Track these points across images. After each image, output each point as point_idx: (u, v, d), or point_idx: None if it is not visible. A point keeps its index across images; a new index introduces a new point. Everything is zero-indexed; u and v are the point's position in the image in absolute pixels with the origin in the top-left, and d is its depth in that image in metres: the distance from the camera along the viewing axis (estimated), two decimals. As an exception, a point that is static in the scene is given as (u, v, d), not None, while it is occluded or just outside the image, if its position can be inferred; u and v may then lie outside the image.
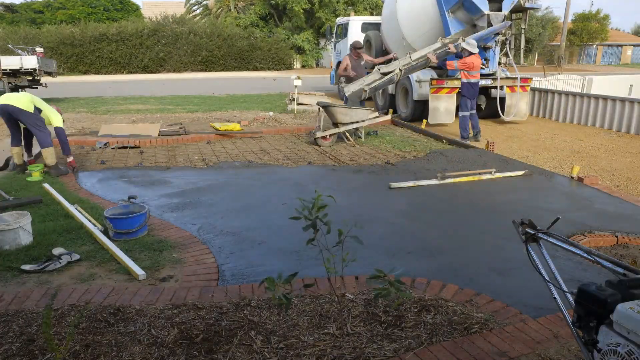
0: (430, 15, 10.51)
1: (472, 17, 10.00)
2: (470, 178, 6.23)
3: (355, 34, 14.81)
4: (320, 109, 8.62)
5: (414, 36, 11.11)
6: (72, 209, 4.71)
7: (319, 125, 8.60)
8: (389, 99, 12.07)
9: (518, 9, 10.58)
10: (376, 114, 9.12)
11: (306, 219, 2.56)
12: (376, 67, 9.28)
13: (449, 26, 10.05)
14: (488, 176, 6.31)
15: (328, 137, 8.43)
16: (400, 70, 9.13)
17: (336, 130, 8.44)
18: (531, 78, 11.07)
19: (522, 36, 11.00)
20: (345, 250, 2.59)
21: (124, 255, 3.70)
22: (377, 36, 13.24)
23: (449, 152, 7.74)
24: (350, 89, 8.83)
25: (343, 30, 15.68)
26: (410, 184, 5.97)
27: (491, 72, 10.31)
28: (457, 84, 10.01)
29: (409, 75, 10.32)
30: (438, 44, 9.65)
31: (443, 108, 9.98)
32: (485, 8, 9.74)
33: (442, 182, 6.05)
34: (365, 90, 8.73)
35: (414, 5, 10.86)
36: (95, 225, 4.33)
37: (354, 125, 8.52)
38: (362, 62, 9.64)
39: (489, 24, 9.75)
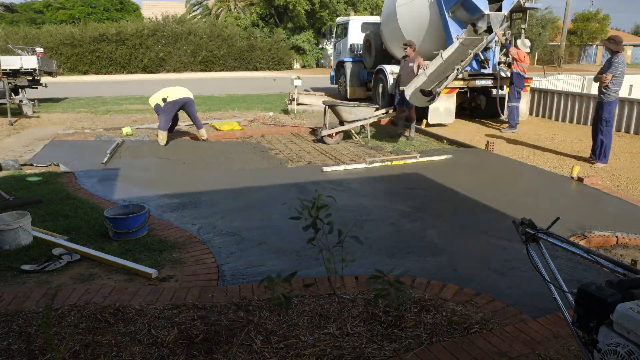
0: (430, 15, 10.51)
1: (471, 17, 9.98)
2: (397, 162, 6.98)
3: (355, 34, 14.80)
4: (326, 107, 8.73)
5: (413, 36, 11.10)
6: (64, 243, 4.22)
7: (325, 123, 8.68)
8: (389, 99, 12.07)
9: (518, 9, 10.57)
10: (383, 110, 9.10)
11: (311, 216, 2.55)
12: (421, 69, 8.91)
13: (448, 26, 10.04)
14: (413, 160, 7.11)
15: (334, 135, 8.56)
16: (457, 69, 8.55)
17: (342, 128, 8.56)
18: (531, 78, 11.06)
19: (522, 36, 10.98)
20: (345, 250, 2.59)
21: (130, 263, 3.66)
22: (377, 36, 13.23)
23: (447, 152, 7.74)
24: (409, 91, 8.24)
25: (343, 30, 15.66)
26: (341, 168, 6.75)
27: (491, 72, 10.30)
28: (456, 84, 10.00)
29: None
30: (457, 43, 9.56)
31: (443, 108, 9.98)
32: (485, 8, 9.72)
33: (370, 166, 6.85)
34: (437, 93, 8.12)
35: (413, 5, 10.85)
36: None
37: (359, 123, 8.62)
38: (411, 64, 9.02)
39: (489, 24, 9.74)
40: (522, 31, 10.89)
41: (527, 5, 10.47)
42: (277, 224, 4.62)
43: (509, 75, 10.53)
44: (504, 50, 10.67)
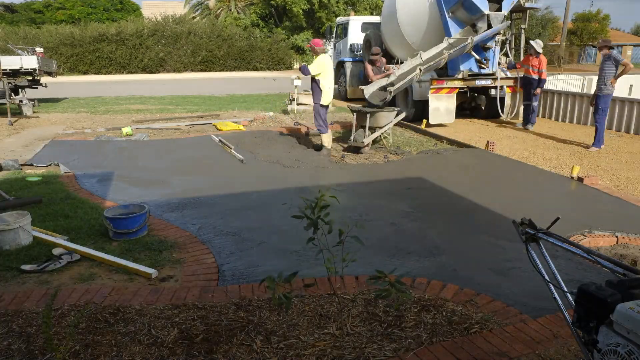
0: (430, 15, 10.51)
1: (471, 17, 9.99)
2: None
3: (355, 34, 14.80)
4: (366, 114, 7.86)
5: (413, 36, 11.12)
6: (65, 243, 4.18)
7: (357, 131, 8.00)
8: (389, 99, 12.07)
9: (518, 9, 10.58)
10: (403, 114, 9.01)
11: (308, 218, 2.56)
12: (393, 67, 9.08)
13: (448, 26, 10.05)
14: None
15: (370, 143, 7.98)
16: (420, 69, 8.86)
17: (376, 134, 7.99)
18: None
19: (522, 36, 10.99)
20: (346, 250, 2.60)
21: (130, 263, 3.66)
22: (377, 36, 13.24)
23: (446, 152, 7.75)
24: (369, 91, 8.39)
25: (343, 30, 15.67)
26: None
27: (491, 72, 10.31)
28: (456, 84, 10.01)
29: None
30: (445, 44, 9.60)
31: (443, 108, 9.98)
32: (485, 8, 9.73)
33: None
34: (390, 92, 8.28)
35: (413, 5, 10.86)
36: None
37: (388, 127, 8.24)
38: (383, 68, 9.08)
39: (489, 24, 9.75)
40: (523, 31, 10.90)
41: (527, 5, 10.48)
42: (277, 224, 4.62)
43: (509, 75, 10.54)
44: (504, 50, 10.68)
